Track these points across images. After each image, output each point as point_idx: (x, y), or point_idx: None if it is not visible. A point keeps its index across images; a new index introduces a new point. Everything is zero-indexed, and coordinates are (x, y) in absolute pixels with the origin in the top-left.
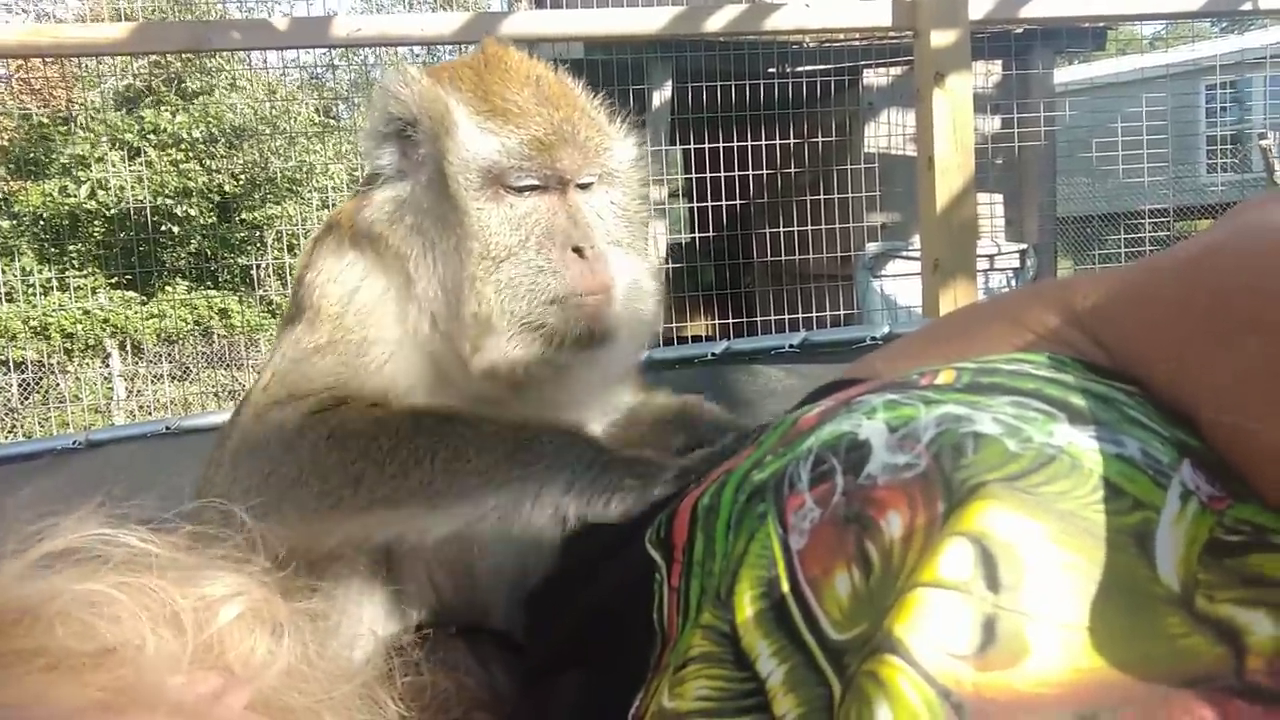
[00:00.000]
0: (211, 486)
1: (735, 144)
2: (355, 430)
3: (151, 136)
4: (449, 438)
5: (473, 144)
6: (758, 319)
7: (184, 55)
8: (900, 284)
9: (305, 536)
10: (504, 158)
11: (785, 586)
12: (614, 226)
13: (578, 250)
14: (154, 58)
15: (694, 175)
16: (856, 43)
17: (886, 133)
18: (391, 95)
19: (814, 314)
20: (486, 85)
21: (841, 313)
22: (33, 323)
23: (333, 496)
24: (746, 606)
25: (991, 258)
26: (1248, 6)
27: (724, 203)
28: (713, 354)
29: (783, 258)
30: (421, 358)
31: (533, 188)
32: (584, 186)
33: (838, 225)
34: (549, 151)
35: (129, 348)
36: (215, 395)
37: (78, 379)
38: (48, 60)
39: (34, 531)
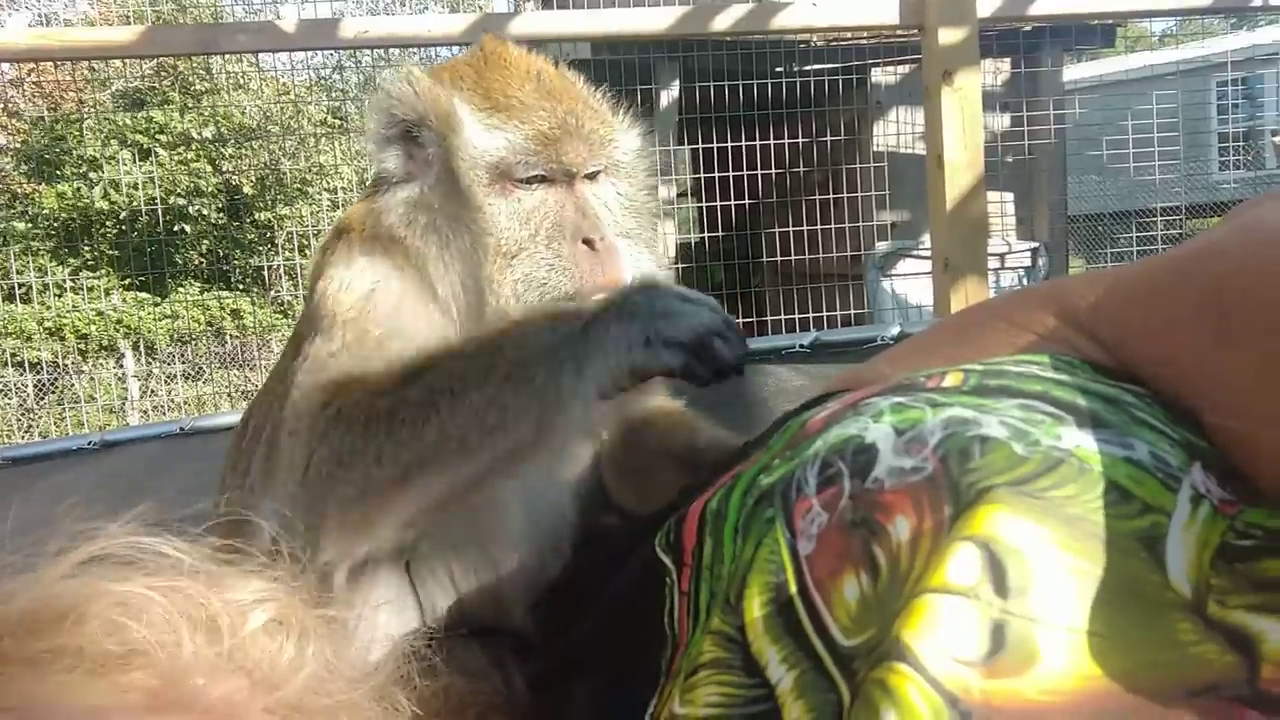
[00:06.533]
0: (248, 499)
1: (743, 143)
2: (361, 407)
3: (161, 137)
4: (439, 383)
5: (479, 141)
6: (768, 319)
7: (187, 58)
8: (911, 283)
9: (360, 529)
10: (510, 153)
11: (793, 591)
12: (622, 217)
13: (588, 242)
14: (157, 62)
15: (702, 175)
16: (864, 41)
17: (895, 131)
18: (394, 98)
19: (824, 313)
20: (488, 82)
21: (852, 312)
22: (47, 323)
23: (363, 479)
24: (755, 611)
25: (1002, 256)
26: (1258, 2)
27: (733, 202)
28: None
29: (792, 257)
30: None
31: (539, 179)
32: (590, 177)
33: (847, 224)
34: (554, 145)
35: (142, 348)
36: (229, 395)
37: (92, 379)
38: (59, 63)
39: (75, 534)
